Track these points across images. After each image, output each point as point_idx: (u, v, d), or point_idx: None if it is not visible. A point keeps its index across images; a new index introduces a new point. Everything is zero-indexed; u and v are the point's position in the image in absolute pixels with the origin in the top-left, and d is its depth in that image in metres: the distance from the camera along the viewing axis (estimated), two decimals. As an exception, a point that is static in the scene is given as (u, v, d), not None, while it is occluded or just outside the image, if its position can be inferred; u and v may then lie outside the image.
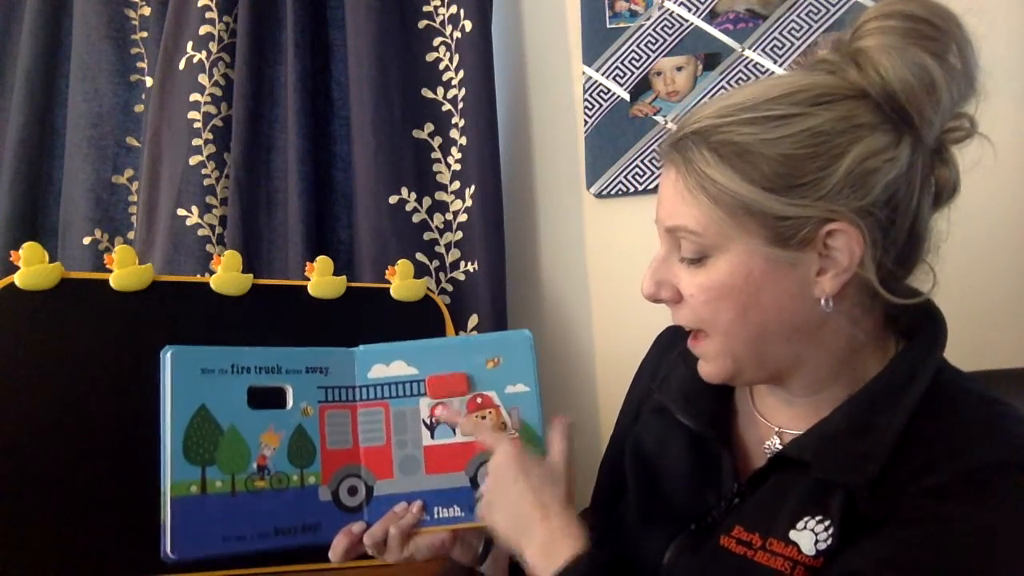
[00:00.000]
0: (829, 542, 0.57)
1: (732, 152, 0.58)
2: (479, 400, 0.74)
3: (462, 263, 1.26)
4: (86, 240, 1.42)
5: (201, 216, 1.29)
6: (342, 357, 0.76)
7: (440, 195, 1.28)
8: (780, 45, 1.16)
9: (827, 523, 0.58)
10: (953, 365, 0.64)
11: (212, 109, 1.31)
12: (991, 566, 0.52)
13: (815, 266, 0.58)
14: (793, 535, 0.59)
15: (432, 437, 0.74)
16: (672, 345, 0.79)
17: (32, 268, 0.86)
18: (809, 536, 0.58)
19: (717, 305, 0.61)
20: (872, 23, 0.58)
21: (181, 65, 1.33)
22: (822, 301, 0.59)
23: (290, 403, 0.72)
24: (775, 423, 0.68)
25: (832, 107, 0.58)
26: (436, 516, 0.72)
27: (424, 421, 0.74)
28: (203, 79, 1.31)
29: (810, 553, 0.58)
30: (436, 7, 1.30)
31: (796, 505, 0.60)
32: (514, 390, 0.74)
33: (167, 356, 0.67)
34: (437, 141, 1.29)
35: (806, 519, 0.59)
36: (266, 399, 0.72)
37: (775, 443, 0.67)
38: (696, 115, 0.61)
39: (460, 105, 1.26)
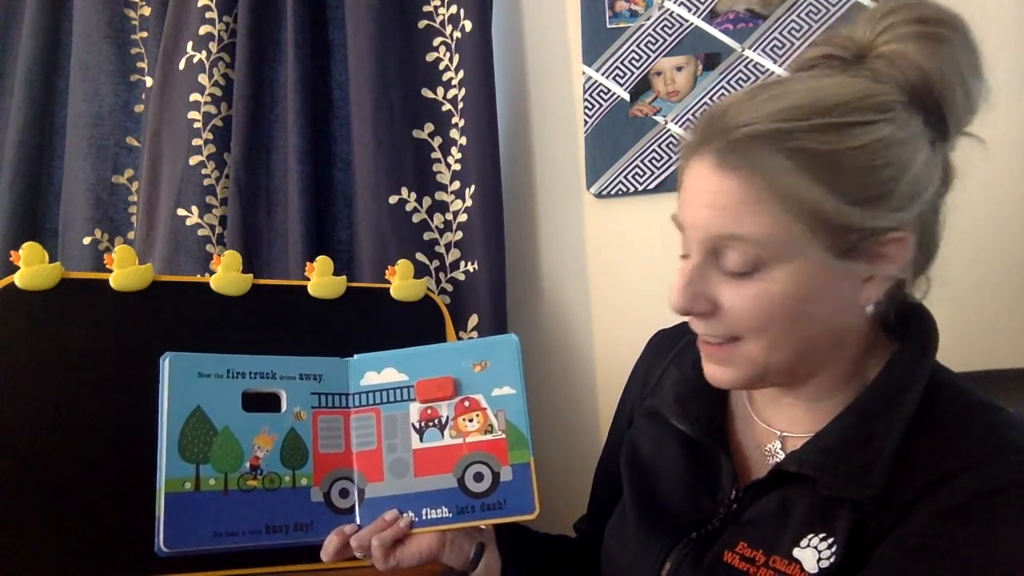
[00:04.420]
0: (832, 560, 0.57)
1: (814, 162, 0.54)
2: (467, 404, 0.76)
3: (462, 263, 1.26)
4: (86, 240, 1.42)
5: (201, 216, 1.29)
6: (336, 365, 0.78)
7: (440, 195, 1.28)
8: (780, 45, 1.16)
9: (830, 540, 0.57)
10: (945, 366, 0.64)
11: (212, 109, 1.31)
12: None
13: (864, 273, 0.58)
14: (797, 553, 0.58)
15: (421, 440, 0.76)
16: (665, 349, 0.79)
17: (32, 268, 0.86)
18: (812, 554, 0.58)
19: (766, 318, 0.58)
20: (894, 30, 0.58)
21: (181, 65, 1.33)
22: (867, 307, 0.59)
23: (284, 407, 0.75)
24: (776, 427, 0.67)
25: (893, 115, 0.56)
26: (425, 517, 0.73)
27: (413, 425, 0.76)
28: (203, 79, 1.31)
29: (812, 571, 0.57)
30: (436, 7, 1.30)
31: (800, 522, 0.59)
32: (500, 392, 0.76)
33: (165, 362, 0.71)
34: (437, 141, 1.29)
35: (810, 536, 0.59)
36: (262, 404, 0.74)
37: (776, 448, 0.66)
38: (744, 116, 0.56)
39: (460, 105, 1.26)
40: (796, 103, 0.55)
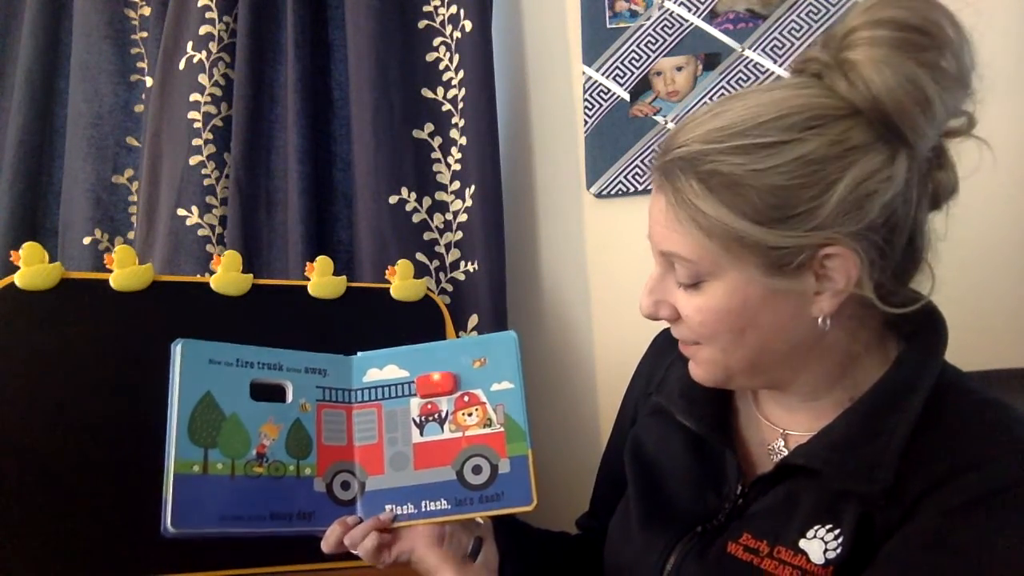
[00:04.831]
0: (838, 551, 0.57)
1: (721, 184, 0.56)
2: (466, 399, 0.77)
3: (462, 263, 1.26)
4: (86, 240, 1.42)
5: (201, 216, 1.29)
6: (340, 362, 0.80)
7: (440, 195, 1.28)
8: (780, 45, 1.16)
9: (837, 532, 0.58)
10: (954, 365, 0.64)
11: (212, 109, 1.31)
12: None
13: (812, 287, 0.58)
14: (803, 544, 0.59)
15: (421, 434, 0.77)
16: (669, 347, 0.79)
17: (32, 268, 0.86)
18: (819, 545, 0.58)
19: (714, 326, 0.61)
20: (862, 32, 0.55)
21: (181, 65, 1.33)
22: (819, 320, 0.59)
23: (290, 398, 0.75)
24: (779, 424, 0.68)
25: (824, 130, 0.55)
26: (424, 509, 0.74)
27: (414, 419, 0.77)
28: (203, 79, 1.31)
29: (819, 562, 0.57)
30: (436, 7, 1.30)
31: (807, 514, 0.60)
32: (499, 387, 0.77)
33: (177, 347, 0.71)
34: (437, 141, 1.29)
35: (816, 527, 0.59)
36: (267, 395, 0.75)
37: (780, 445, 0.67)
38: (683, 137, 0.59)
39: (460, 105, 1.26)
40: (725, 123, 0.57)
